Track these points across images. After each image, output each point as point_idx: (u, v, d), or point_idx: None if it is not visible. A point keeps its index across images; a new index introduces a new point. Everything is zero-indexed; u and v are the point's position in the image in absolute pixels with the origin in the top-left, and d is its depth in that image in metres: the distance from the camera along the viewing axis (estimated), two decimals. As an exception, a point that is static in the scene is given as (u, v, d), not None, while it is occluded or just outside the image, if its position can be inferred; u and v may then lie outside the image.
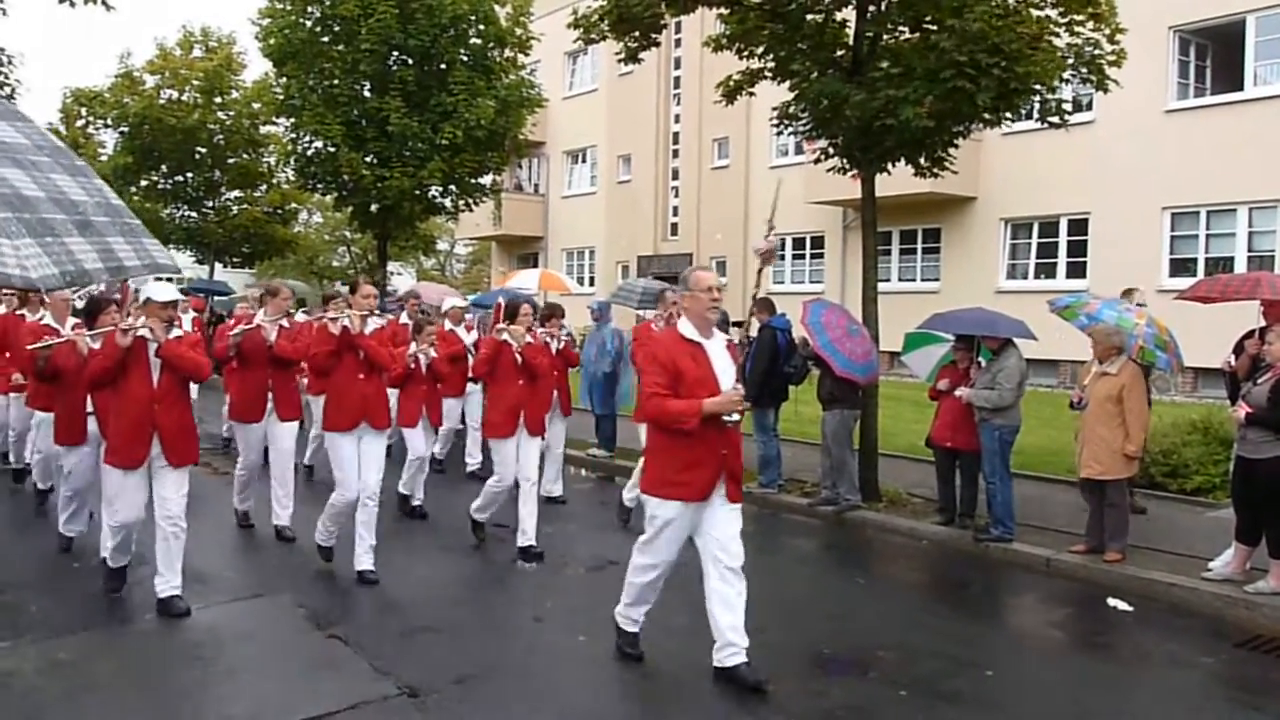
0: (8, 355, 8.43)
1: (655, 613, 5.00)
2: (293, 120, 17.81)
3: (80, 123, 29.10)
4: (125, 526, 5.59)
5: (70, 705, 4.43)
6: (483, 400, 10.05)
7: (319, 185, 18.66)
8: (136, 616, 5.57)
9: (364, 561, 6.24)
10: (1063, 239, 17.98)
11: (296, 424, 7.55)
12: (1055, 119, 8.69)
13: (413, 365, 7.94)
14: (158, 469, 5.50)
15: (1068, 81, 8.61)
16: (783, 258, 23.30)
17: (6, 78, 18.26)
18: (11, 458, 9.18)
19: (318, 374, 6.56)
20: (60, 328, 7.11)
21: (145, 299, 5.43)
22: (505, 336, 6.88)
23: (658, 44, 9.59)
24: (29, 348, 6.23)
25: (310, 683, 4.69)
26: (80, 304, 7.69)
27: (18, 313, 8.69)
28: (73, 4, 11.19)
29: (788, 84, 8.93)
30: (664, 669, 5.00)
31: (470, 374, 8.88)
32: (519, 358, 6.88)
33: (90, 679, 4.71)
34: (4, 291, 9.22)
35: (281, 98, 17.92)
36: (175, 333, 5.54)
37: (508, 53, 18.30)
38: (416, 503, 8.25)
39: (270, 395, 7.35)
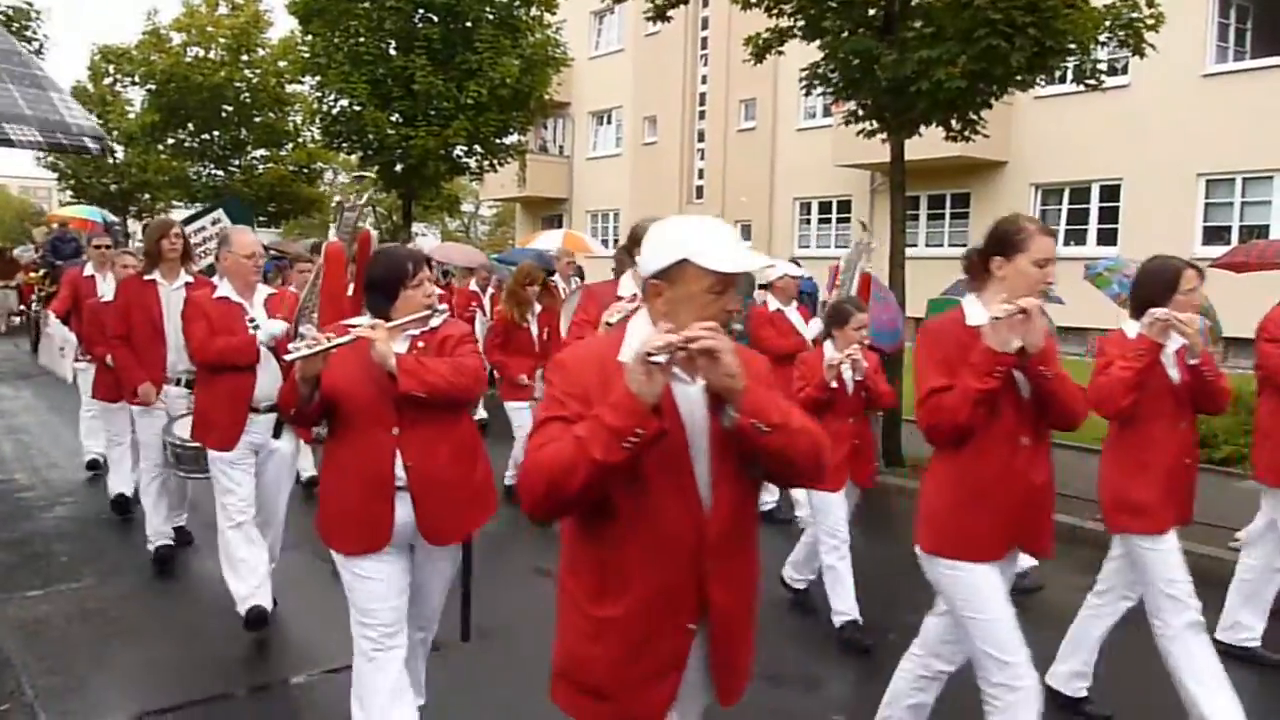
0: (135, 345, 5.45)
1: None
2: (318, 79, 17.78)
3: (108, 80, 29.24)
4: None
5: (101, 649, 4.53)
6: None
7: (344, 144, 18.68)
8: (167, 567, 5.66)
9: None
10: (1094, 205, 17.71)
11: None
12: (1091, 81, 8.52)
13: (834, 386, 5.08)
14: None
15: (1104, 44, 8.43)
16: (808, 222, 23.13)
17: (34, 33, 18.38)
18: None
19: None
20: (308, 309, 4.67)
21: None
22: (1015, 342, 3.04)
23: (685, 2, 9.47)
24: (289, 357, 3.13)
25: (336, 635, 4.74)
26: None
27: (147, 277, 5.48)
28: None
29: (817, 43, 8.79)
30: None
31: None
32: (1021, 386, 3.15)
33: (120, 625, 4.82)
34: (111, 249, 6.97)
35: (307, 56, 17.90)
36: None
37: (533, 10, 18.15)
38: (798, 584, 5.59)
39: None
